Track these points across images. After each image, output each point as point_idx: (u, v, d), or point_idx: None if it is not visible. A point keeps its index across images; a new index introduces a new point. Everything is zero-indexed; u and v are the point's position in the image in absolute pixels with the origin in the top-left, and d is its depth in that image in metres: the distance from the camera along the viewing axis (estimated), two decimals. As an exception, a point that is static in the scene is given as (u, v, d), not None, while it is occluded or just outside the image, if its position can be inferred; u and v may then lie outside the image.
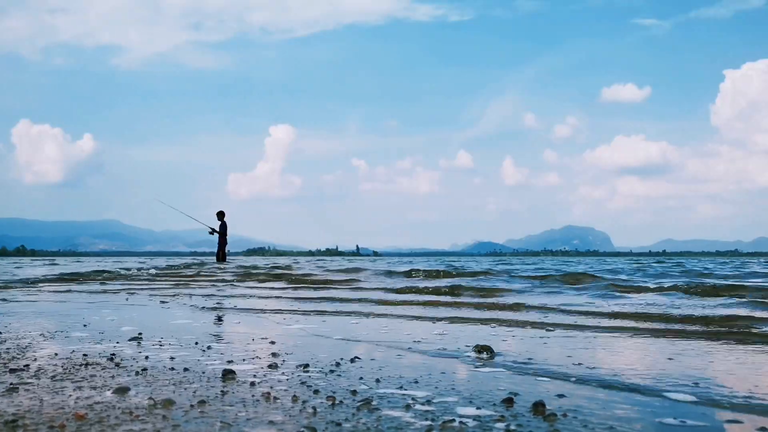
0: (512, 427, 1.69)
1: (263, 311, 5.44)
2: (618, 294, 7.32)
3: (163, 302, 6.40)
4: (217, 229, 22.02)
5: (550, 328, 4.05)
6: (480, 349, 3.01)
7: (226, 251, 22.81)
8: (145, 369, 2.54)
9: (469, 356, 2.96)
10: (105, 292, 8.30)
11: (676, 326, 4.22)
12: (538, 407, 1.91)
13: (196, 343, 3.29)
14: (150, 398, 1.97)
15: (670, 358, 2.92)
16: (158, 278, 12.65)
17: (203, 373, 2.46)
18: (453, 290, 7.99)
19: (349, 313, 5.20)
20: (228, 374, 2.38)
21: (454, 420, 1.74)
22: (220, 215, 22.06)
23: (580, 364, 2.76)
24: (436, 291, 8.00)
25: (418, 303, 6.32)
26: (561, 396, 2.11)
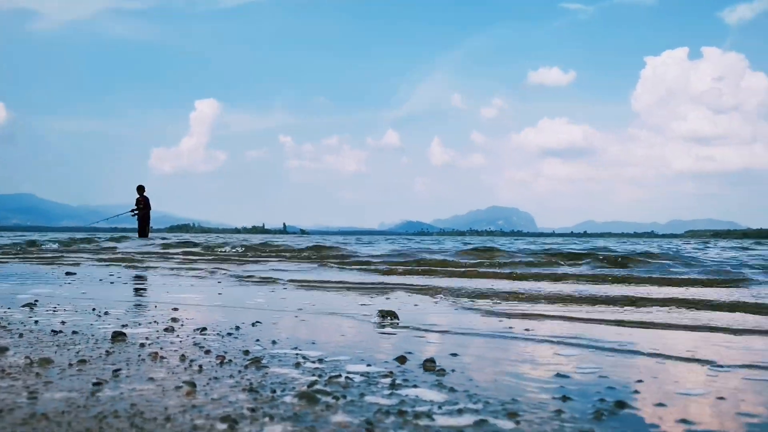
0: (398, 381, 1.69)
1: (176, 280, 5.32)
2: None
3: (69, 273, 6.16)
4: (136, 206, 21.33)
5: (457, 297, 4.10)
6: (384, 313, 3.01)
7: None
8: (30, 331, 2.44)
9: (372, 321, 2.96)
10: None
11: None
12: (428, 363, 1.93)
13: (94, 309, 3.18)
14: (27, 357, 1.88)
15: (527, 329, 3.00)
16: (72, 250, 12.22)
17: (92, 335, 2.37)
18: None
19: (263, 281, 5.14)
20: (118, 336, 2.30)
21: (340, 375, 1.73)
22: (140, 190, 21.39)
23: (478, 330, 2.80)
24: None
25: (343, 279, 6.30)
26: (454, 355, 2.13)
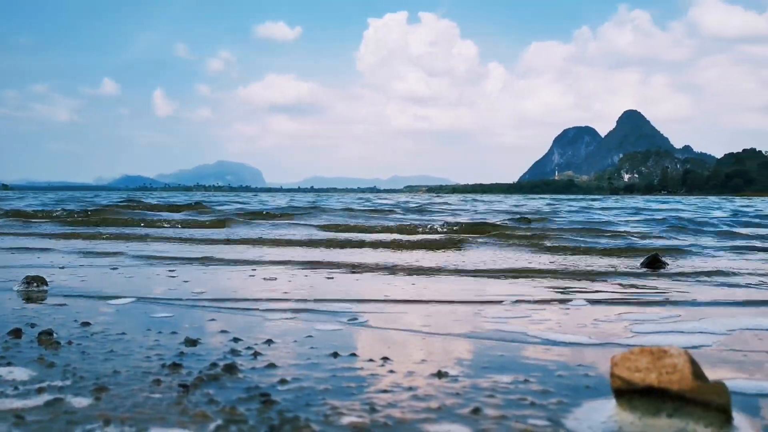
0: (-10, 360, 1.50)
1: None
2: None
3: None
4: None
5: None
6: (30, 279, 2.71)
7: None
8: None
9: (15, 289, 2.66)
10: None
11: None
12: (43, 336, 1.76)
13: None
14: None
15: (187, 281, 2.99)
16: None
17: None
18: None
19: None
20: None
21: None
22: None
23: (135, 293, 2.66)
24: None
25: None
26: (87, 324, 1.97)
